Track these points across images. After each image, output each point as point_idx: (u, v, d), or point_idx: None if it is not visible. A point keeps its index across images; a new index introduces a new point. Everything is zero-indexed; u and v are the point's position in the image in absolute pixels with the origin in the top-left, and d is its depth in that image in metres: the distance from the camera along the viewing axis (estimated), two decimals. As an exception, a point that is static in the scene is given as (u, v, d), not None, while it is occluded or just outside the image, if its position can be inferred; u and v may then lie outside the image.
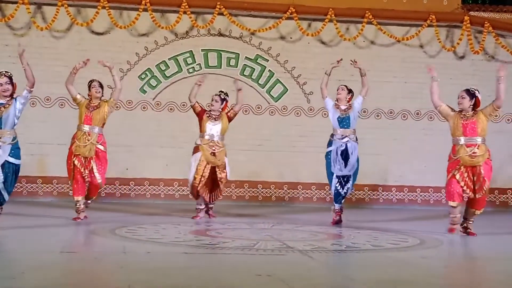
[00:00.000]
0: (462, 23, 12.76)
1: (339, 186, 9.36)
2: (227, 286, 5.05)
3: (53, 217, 8.78)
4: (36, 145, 12.09)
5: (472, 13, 13.04)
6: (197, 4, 12.37)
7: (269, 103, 12.78)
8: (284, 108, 12.81)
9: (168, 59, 12.60)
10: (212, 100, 9.66)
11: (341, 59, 9.51)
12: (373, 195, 12.87)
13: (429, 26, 12.70)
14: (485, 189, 8.22)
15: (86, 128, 9.00)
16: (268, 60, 12.81)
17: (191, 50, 12.66)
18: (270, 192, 12.64)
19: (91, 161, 8.96)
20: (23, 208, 10.22)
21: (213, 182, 9.65)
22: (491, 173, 8.35)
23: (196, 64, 12.66)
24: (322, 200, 12.72)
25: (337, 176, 9.35)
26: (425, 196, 13.00)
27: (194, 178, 9.46)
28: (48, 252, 6.42)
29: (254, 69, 12.80)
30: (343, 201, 9.46)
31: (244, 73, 12.74)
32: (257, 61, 12.80)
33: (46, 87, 12.13)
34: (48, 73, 12.01)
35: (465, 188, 8.23)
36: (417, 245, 7.52)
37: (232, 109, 9.78)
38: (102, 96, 9.18)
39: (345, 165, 9.30)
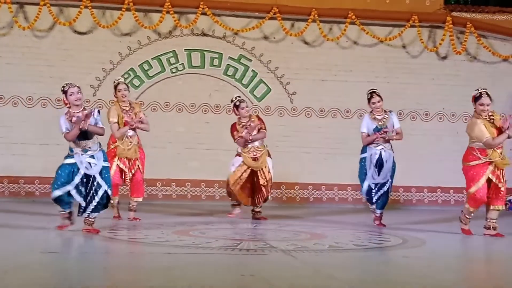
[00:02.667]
0: (444, 23, 12.83)
1: (374, 193, 9.23)
2: (210, 286, 5.04)
3: (36, 217, 8.72)
4: (18, 145, 12.06)
5: (454, 13, 13.12)
6: (180, 3, 12.36)
7: (252, 103, 12.77)
8: (267, 108, 12.82)
9: (151, 59, 12.58)
10: (239, 109, 9.71)
11: None
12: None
13: (411, 26, 12.75)
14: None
15: (130, 132, 9.12)
16: (251, 60, 12.82)
17: (174, 50, 12.64)
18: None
19: (137, 161, 9.20)
20: (5, 208, 10.16)
21: (252, 187, 9.77)
22: None
23: (179, 64, 12.65)
24: (305, 200, 12.75)
25: (370, 183, 9.22)
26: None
27: (231, 178, 9.66)
28: (30, 252, 6.38)
29: (238, 69, 12.79)
30: (384, 206, 9.32)
31: (228, 73, 12.74)
32: (241, 61, 12.80)
33: (28, 86, 12.12)
34: (30, 72, 11.98)
35: (502, 189, 8.15)
36: (400, 244, 7.55)
37: (262, 127, 9.81)
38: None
39: (378, 173, 9.18)
